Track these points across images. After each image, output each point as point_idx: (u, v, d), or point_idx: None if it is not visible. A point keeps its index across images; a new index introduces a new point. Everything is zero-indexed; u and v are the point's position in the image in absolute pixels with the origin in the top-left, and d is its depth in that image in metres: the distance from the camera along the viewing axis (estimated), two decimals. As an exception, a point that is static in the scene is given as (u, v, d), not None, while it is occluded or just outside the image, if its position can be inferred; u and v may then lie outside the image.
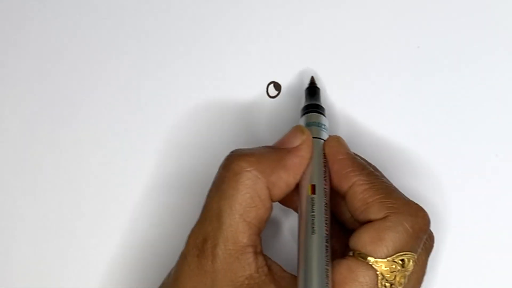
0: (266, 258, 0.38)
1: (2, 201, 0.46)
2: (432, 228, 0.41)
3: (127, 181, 0.46)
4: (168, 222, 0.45)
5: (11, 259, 0.46)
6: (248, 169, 0.37)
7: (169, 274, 0.39)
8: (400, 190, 0.39)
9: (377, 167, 0.41)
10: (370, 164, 0.41)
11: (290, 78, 0.47)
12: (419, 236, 0.37)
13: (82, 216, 0.46)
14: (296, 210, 0.40)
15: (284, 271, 0.38)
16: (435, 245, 0.40)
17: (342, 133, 0.44)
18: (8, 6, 0.49)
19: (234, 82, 0.47)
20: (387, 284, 0.36)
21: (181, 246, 0.43)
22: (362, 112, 0.46)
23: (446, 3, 0.47)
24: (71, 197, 0.46)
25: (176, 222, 0.45)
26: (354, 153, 0.41)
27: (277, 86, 0.47)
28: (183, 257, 0.38)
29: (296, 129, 0.40)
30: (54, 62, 0.48)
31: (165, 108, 0.47)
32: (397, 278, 0.36)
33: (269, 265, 0.38)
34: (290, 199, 0.40)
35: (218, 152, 0.40)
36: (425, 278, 0.39)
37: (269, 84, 0.47)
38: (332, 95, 0.46)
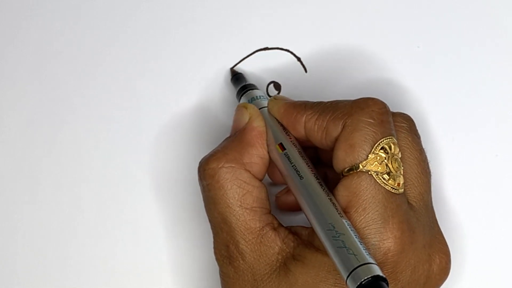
0: (287, 228, 0.39)
1: (2, 201, 0.46)
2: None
3: (127, 180, 0.46)
4: (168, 221, 0.45)
5: (11, 259, 0.46)
6: (220, 165, 0.39)
7: None
8: None
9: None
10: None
11: (290, 77, 0.47)
12: (382, 120, 0.38)
13: (82, 216, 0.46)
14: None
15: (306, 228, 0.39)
16: None
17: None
18: (7, 6, 0.49)
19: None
20: (385, 176, 0.37)
21: (180, 244, 0.43)
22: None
23: (446, 3, 0.47)
24: (70, 197, 0.46)
25: (176, 221, 0.45)
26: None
27: (277, 86, 0.47)
28: (221, 272, 0.39)
29: (239, 108, 0.42)
30: (52, 62, 0.48)
31: (163, 108, 0.47)
32: (390, 165, 0.37)
33: (293, 231, 0.39)
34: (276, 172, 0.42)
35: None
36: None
37: (269, 84, 0.47)
38: (332, 96, 0.46)
